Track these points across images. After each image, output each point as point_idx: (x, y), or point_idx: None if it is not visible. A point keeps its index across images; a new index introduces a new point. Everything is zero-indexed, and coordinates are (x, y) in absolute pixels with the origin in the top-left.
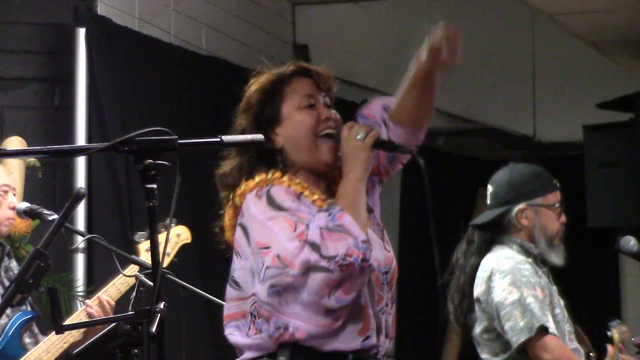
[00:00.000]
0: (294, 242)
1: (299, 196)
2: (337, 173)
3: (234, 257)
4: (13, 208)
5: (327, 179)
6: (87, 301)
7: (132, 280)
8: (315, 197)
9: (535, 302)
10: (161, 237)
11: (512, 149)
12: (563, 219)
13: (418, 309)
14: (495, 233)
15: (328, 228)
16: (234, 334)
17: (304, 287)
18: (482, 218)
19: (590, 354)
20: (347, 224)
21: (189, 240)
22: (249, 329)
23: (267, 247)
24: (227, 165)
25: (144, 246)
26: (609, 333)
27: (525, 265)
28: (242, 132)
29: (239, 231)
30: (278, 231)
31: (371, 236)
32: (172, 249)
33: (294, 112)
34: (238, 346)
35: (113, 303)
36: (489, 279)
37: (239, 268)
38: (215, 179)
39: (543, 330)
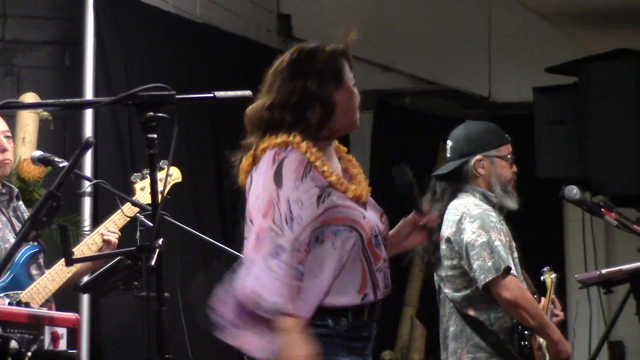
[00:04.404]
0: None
1: (307, 170)
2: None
3: (248, 201)
4: (3, 150)
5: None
6: (99, 230)
7: (131, 213)
8: (325, 168)
9: (501, 245)
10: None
11: (470, 108)
12: (514, 168)
13: None
14: (457, 182)
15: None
16: None
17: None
18: (443, 169)
19: (535, 295)
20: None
21: (179, 180)
22: None
23: (251, 222)
24: (261, 111)
25: (139, 185)
26: (542, 278)
27: (492, 212)
28: (304, 89)
29: (250, 182)
30: (257, 207)
31: (370, 203)
32: (164, 188)
33: (350, 85)
34: None
35: (116, 241)
36: (459, 221)
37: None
38: (245, 117)
39: (507, 270)
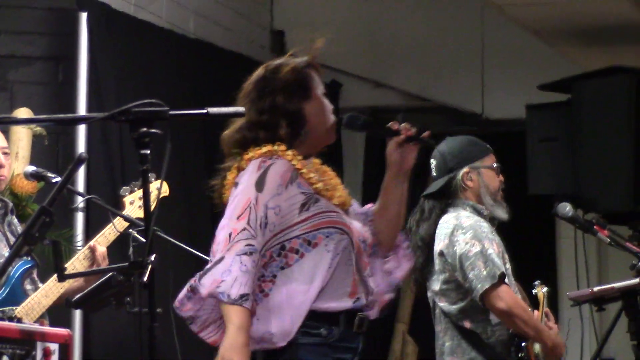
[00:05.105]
0: (226, 229)
1: (294, 177)
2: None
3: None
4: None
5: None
6: (90, 244)
7: (122, 228)
8: (312, 175)
9: (494, 254)
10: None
11: (462, 125)
12: (501, 177)
13: None
14: (447, 198)
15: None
16: None
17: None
18: (432, 188)
19: (529, 308)
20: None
21: (167, 194)
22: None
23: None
24: (235, 134)
25: (128, 199)
26: (534, 291)
27: (484, 223)
28: (273, 106)
29: (234, 189)
30: (232, 207)
31: (353, 213)
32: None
33: (320, 95)
34: None
35: (104, 250)
36: (452, 234)
37: None
38: (221, 141)
39: (503, 277)
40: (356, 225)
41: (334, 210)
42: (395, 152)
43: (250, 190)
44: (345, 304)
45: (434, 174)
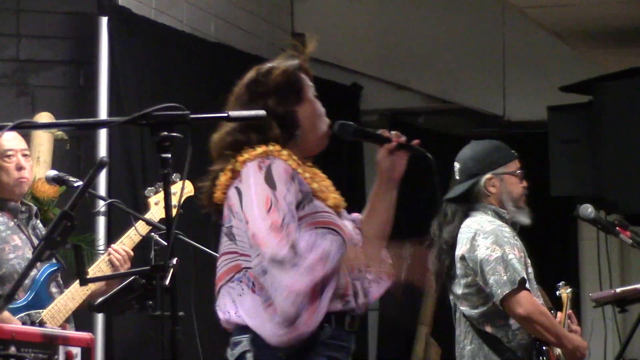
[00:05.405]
0: (265, 222)
1: (295, 174)
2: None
3: (229, 215)
4: (20, 168)
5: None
6: (110, 248)
7: (144, 231)
8: (307, 175)
9: (515, 259)
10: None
11: (484, 127)
12: (524, 183)
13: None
14: (469, 203)
15: (322, 259)
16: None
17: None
18: (454, 192)
19: (551, 310)
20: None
21: (192, 194)
22: (255, 287)
23: (247, 222)
24: (226, 137)
25: (153, 200)
26: (558, 292)
27: (505, 228)
28: (266, 108)
29: (234, 193)
30: (255, 206)
31: (345, 215)
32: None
33: (313, 98)
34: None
35: (130, 252)
36: (473, 238)
37: (235, 225)
38: (211, 143)
39: (523, 282)
40: (348, 228)
41: (327, 210)
42: (385, 159)
43: (265, 189)
44: (334, 306)
45: (457, 177)
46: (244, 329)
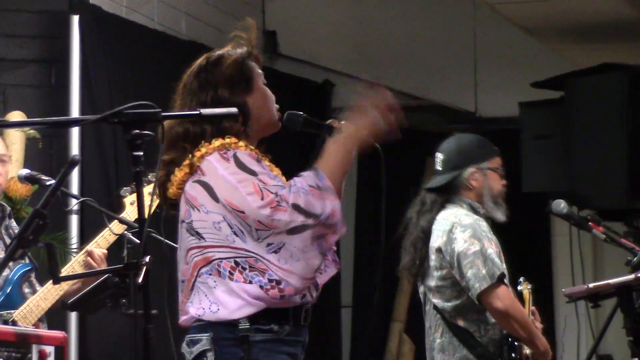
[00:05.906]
0: (266, 210)
1: (258, 159)
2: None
3: (189, 209)
4: None
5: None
6: (88, 253)
7: (119, 230)
8: (267, 162)
9: (494, 253)
10: (145, 190)
11: (456, 124)
12: (504, 180)
13: (372, 268)
14: (447, 194)
15: (318, 187)
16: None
17: (292, 246)
18: (436, 182)
19: (525, 311)
20: (330, 188)
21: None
22: (233, 275)
23: (242, 212)
24: (176, 127)
25: (128, 200)
26: (519, 288)
27: (482, 222)
28: (215, 99)
29: (197, 188)
30: (246, 196)
31: None
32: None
33: (262, 86)
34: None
35: (106, 252)
36: (450, 231)
37: (197, 220)
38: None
39: (502, 277)
40: None
41: None
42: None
43: (246, 177)
44: (294, 300)
45: (439, 167)
46: (204, 327)
